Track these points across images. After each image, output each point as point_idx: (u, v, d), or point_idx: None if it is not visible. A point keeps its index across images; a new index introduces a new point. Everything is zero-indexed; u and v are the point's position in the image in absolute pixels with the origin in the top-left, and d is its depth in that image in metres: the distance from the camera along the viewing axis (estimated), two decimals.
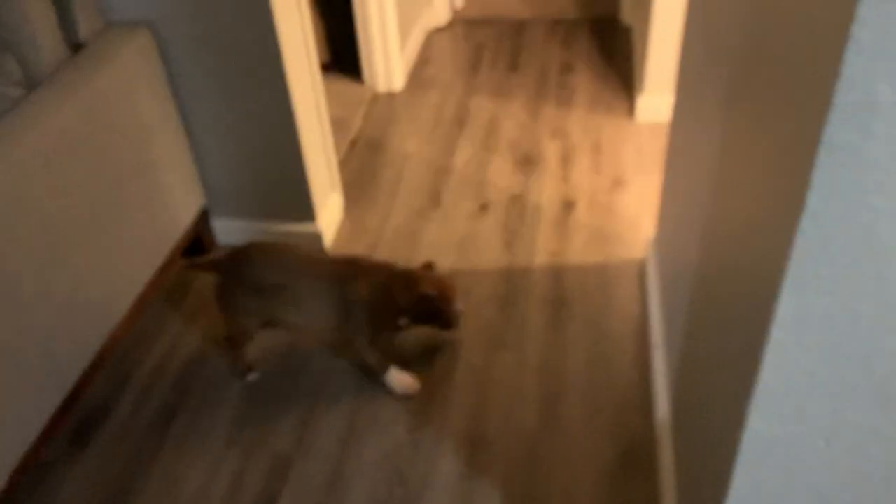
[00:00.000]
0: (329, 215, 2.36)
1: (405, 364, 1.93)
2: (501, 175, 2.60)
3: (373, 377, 1.91)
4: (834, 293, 0.78)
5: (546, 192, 2.50)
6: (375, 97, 3.08)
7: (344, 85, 3.12)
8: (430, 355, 1.99)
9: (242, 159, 2.19)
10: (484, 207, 2.46)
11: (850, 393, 0.85)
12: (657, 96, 2.74)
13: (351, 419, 1.84)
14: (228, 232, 2.35)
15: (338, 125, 2.85)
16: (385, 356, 1.89)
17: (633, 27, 3.36)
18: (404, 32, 3.15)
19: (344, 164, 2.69)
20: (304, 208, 2.26)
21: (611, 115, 2.86)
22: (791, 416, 0.88)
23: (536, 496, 1.65)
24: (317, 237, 2.30)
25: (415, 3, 3.32)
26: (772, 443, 0.91)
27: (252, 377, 1.95)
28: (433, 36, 3.51)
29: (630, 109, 2.88)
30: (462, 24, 3.61)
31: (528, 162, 2.65)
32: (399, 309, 1.81)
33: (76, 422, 1.87)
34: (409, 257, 2.28)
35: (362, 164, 2.70)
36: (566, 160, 2.64)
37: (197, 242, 2.29)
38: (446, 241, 2.34)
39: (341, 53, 3.18)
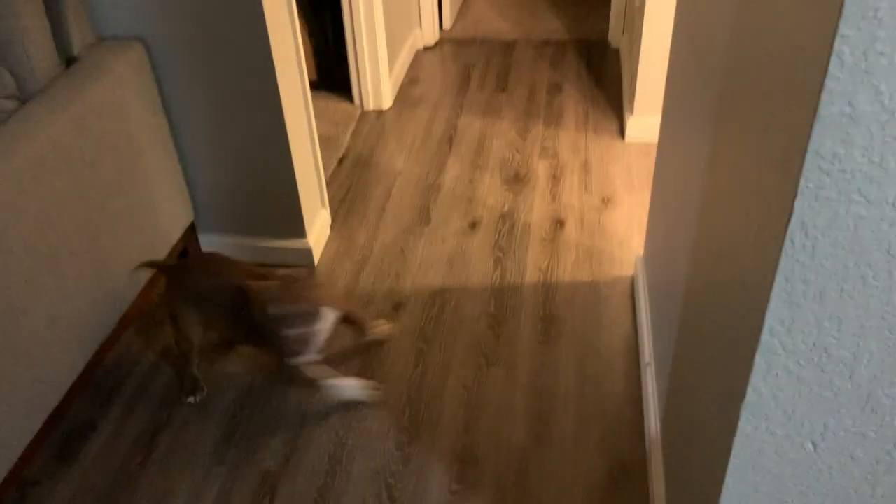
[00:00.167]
0: (318, 232, 2.37)
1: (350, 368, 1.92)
2: (491, 193, 2.62)
3: (318, 389, 1.89)
4: (820, 298, 0.80)
5: (536, 210, 2.53)
6: (364, 115, 3.11)
7: (331, 102, 3.15)
8: (365, 354, 1.97)
9: (233, 175, 2.19)
10: (473, 225, 2.48)
11: (837, 397, 0.87)
12: (646, 117, 2.78)
13: (340, 435, 1.83)
14: (215, 247, 2.34)
15: (325, 142, 2.86)
16: (328, 364, 1.83)
17: (621, 49, 3.42)
18: (393, 51, 3.19)
19: (332, 182, 2.70)
20: (293, 224, 2.26)
21: (599, 134, 2.90)
22: (779, 420, 0.90)
23: None
24: (306, 253, 2.31)
25: (403, 22, 3.36)
26: (761, 446, 0.92)
27: (192, 399, 1.90)
28: (421, 55, 3.55)
29: (618, 130, 2.92)
30: (450, 44, 3.65)
31: (517, 180, 2.67)
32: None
33: (62, 437, 1.85)
34: (398, 274, 2.29)
35: (351, 182, 2.72)
36: (555, 179, 2.67)
37: (183, 257, 2.28)
38: (435, 258, 2.35)
39: (328, 71, 3.21)
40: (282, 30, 2.00)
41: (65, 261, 1.72)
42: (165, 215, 2.12)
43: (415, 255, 2.37)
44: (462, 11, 3.96)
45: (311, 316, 1.60)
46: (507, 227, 2.45)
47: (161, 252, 2.11)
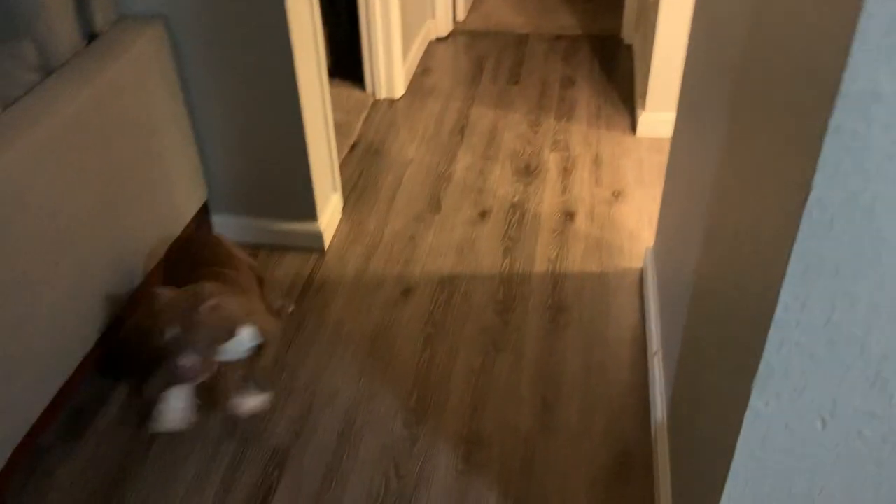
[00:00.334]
0: (329, 216, 2.39)
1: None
2: (501, 184, 2.63)
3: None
4: (835, 275, 0.82)
5: (546, 201, 2.54)
6: (376, 103, 3.12)
7: (344, 90, 3.16)
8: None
9: (247, 155, 2.21)
10: (483, 214, 2.49)
11: (847, 374, 0.88)
12: (658, 113, 2.79)
13: (350, 413, 1.85)
14: (227, 228, 2.36)
15: (337, 129, 2.88)
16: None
17: (634, 46, 3.43)
18: (406, 41, 3.20)
19: (343, 168, 2.72)
20: (306, 207, 2.28)
21: (611, 129, 2.91)
22: (790, 396, 0.91)
23: (532, 498, 1.66)
24: (317, 236, 2.32)
25: (418, 12, 3.37)
26: (770, 422, 0.93)
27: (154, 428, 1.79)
28: (434, 46, 3.57)
29: (630, 124, 2.93)
30: (463, 35, 3.66)
31: (528, 172, 2.69)
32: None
33: (73, 409, 1.87)
34: (407, 260, 2.31)
35: (362, 169, 2.73)
36: (566, 171, 2.69)
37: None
38: (445, 245, 2.36)
39: (342, 59, 3.23)
40: (302, 14, 2.01)
41: (82, 235, 1.75)
42: (180, 194, 2.14)
43: (425, 242, 2.38)
44: (476, 4, 3.97)
45: (217, 340, 1.45)
46: (517, 218, 2.47)
47: (174, 230, 2.14)
